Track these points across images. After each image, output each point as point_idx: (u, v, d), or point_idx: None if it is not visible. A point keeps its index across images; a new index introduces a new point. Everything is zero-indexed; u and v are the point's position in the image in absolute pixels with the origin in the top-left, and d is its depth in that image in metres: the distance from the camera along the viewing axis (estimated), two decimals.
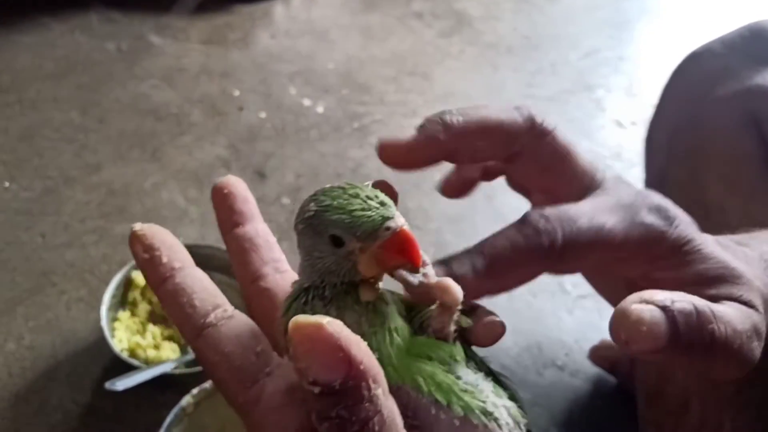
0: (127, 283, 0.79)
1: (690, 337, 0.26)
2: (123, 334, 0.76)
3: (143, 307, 0.80)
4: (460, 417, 0.25)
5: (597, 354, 0.79)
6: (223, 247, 0.87)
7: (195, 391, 0.66)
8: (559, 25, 1.61)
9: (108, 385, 0.66)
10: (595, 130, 1.25)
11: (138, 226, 0.29)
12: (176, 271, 0.28)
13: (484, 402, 0.25)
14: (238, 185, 0.33)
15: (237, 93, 1.27)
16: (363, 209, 0.25)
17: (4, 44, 1.32)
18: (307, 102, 1.27)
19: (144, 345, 0.76)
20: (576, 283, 0.90)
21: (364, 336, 0.22)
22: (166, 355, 0.75)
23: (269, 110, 1.23)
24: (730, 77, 0.61)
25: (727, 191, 0.56)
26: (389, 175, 1.03)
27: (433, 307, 0.27)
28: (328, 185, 0.27)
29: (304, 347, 0.20)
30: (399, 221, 0.25)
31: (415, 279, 0.26)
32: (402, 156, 0.32)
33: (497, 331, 0.27)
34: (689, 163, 0.61)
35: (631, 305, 0.25)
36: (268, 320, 0.29)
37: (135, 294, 0.79)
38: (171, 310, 0.28)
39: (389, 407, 0.22)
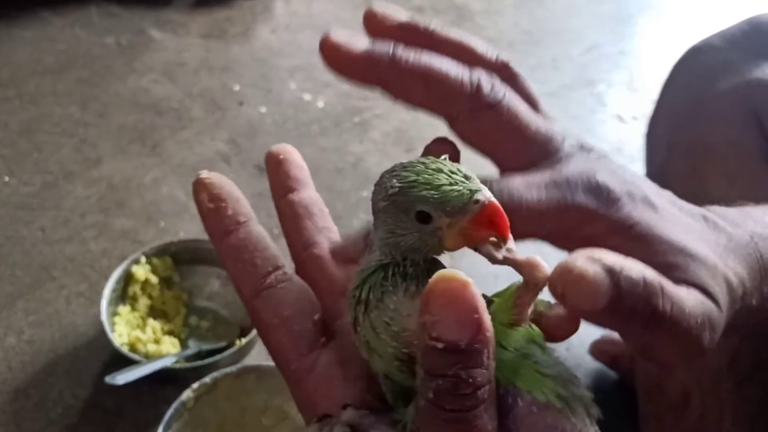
0: (127, 278, 0.79)
1: (631, 306, 0.24)
2: (123, 329, 0.76)
3: (143, 302, 0.80)
4: (539, 403, 0.24)
5: (597, 348, 0.79)
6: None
7: (195, 385, 0.66)
8: (561, 20, 1.61)
9: (108, 379, 0.66)
10: (597, 125, 1.24)
11: (205, 174, 0.29)
12: (241, 225, 0.28)
13: (562, 388, 0.25)
14: (293, 153, 0.32)
15: (237, 88, 1.26)
16: (450, 183, 0.24)
17: (4, 38, 1.32)
18: (307, 97, 1.26)
19: (144, 339, 0.76)
20: None
21: None
22: (166, 350, 0.75)
23: (269, 105, 1.23)
24: (730, 71, 0.61)
25: (728, 184, 0.56)
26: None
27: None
28: (405, 160, 0.26)
29: (444, 300, 0.20)
30: (486, 194, 0.24)
31: (500, 254, 0.25)
32: (338, 61, 0.30)
33: (574, 325, 0.26)
34: (690, 156, 0.61)
35: (577, 260, 0.23)
36: (319, 288, 0.28)
37: (135, 288, 0.79)
38: (231, 265, 0.27)
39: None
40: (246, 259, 0.27)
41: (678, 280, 0.27)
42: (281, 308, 0.27)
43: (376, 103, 1.27)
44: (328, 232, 0.31)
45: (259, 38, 1.42)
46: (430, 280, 0.21)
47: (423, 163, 0.25)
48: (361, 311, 0.25)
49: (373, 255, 0.26)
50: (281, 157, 0.31)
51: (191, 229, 0.95)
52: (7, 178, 1.01)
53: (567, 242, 0.30)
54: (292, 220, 0.31)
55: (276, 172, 0.31)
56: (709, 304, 0.27)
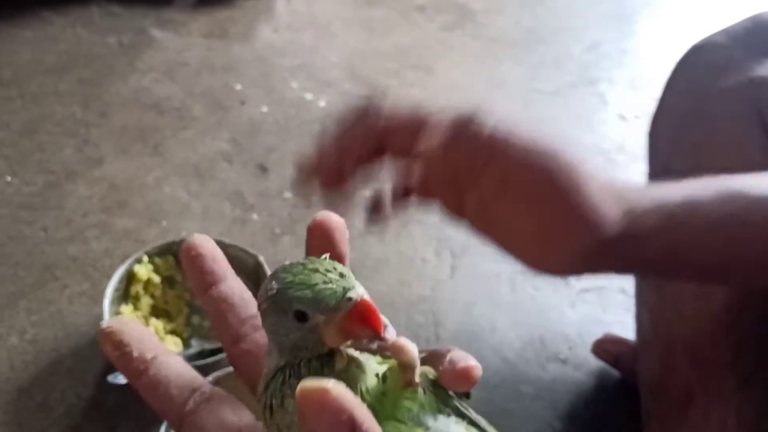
0: (130, 277, 0.79)
1: None
2: None
3: (145, 301, 0.80)
4: None
5: (600, 348, 0.79)
6: (226, 240, 0.87)
7: None
8: (563, 19, 1.61)
9: (111, 378, 0.67)
10: (599, 124, 1.24)
11: (105, 324, 0.28)
12: (149, 363, 0.28)
13: None
14: (205, 244, 0.31)
15: (239, 87, 1.26)
16: (324, 282, 0.25)
17: (6, 38, 1.32)
18: (309, 96, 1.26)
19: None
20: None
21: None
22: (169, 349, 0.75)
23: (271, 104, 1.23)
24: (733, 69, 0.60)
25: None
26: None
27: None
28: (287, 262, 0.27)
29: (312, 411, 0.21)
30: (359, 291, 0.26)
31: (374, 345, 0.27)
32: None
33: (471, 375, 0.26)
34: (693, 154, 0.61)
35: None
36: (254, 380, 0.29)
37: (137, 288, 0.79)
38: (152, 402, 0.28)
39: None
40: (162, 394, 0.28)
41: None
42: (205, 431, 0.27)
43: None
44: (252, 320, 0.31)
45: (261, 38, 1.42)
46: (297, 395, 0.21)
47: (302, 264, 0.26)
48: (268, 416, 0.26)
49: (272, 358, 0.28)
50: (193, 253, 0.31)
51: (193, 228, 0.95)
52: (9, 178, 1.01)
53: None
54: (216, 317, 0.31)
55: (192, 269, 0.31)
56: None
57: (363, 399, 0.26)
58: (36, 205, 0.97)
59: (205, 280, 0.31)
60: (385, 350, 0.27)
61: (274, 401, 0.26)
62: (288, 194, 1.03)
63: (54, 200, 0.98)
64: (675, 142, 0.64)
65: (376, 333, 0.26)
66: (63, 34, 1.36)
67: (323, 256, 0.27)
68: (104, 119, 1.15)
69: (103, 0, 1.46)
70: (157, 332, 0.77)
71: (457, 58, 1.43)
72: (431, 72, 1.37)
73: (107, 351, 0.28)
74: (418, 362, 0.26)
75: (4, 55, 1.27)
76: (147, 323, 0.78)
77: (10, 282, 0.86)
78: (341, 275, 0.26)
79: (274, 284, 0.26)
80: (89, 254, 0.90)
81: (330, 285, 0.25)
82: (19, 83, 1.21)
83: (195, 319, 0.82)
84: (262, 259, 0.80)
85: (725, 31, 0.64)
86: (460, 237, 0.97)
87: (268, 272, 0.79)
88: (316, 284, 0.25)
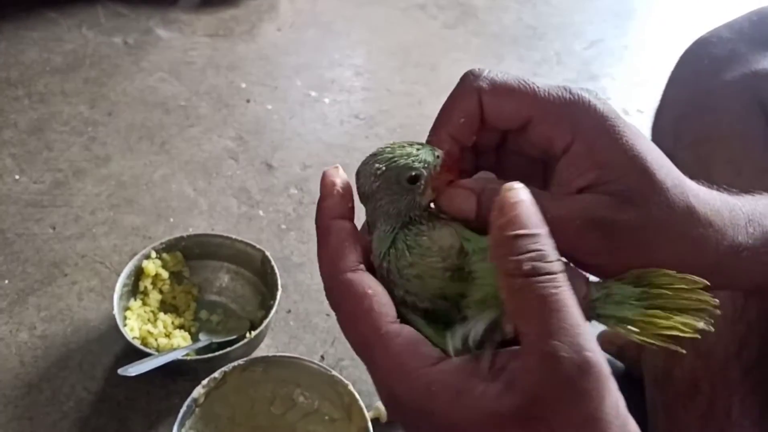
0: (138, 273, 0.80)
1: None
2: (134, 323, 0.77)
3: (154, 296, 0.80)
4: None
5: (604, 339, 0.80)
6: (233, 236, 0.88)
7: (205, 381, 0.66)
8: (564, 15, 1.61)
9: (121, 371, 0.67)
10: None
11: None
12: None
13: None
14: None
15: (244, 85, 1.27)
16: (418, 150, 0.32)
17: (13, 39, 1.33)
18: (313, 93, 1.27)
19: (155, 333, 0.76)
20: None
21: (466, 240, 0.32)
22: (177, 344, 0.76)
23: (276, 102, 1.24)
24: (736, 62, 0.61)
25: (735, 174, 0.56)
26: None
27: None
28: (372, 151, 0.33)
29: (512, 203, 0.27)
30: (439, 150, 0.33)
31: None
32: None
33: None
34: (696, 147, 0.61)
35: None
36: None
37: (146, 283, 0.80)
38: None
39: None
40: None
41: (596, 183, 0.33)
42: (372, 283, 0.31)
43: (382, 99, 1.28)
44: None
45: (265, 36, 1.43)
46: (502, 189, 0.27)
47: (389, 147, 0.33)
48: (405, 256, 0.32)
49: (379, 231, 0.33)
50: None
51: (200, 224, 0.96)
52: (17, 176, 1.02)
53: (557, 132, 0.34)
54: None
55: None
56: (600, 208, 0.32)
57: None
58: (44, 202, 0.98)
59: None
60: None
61: (407, 242, 0.32)
62: (293, 190, 1.04)
63: (62, 198, 0.99)
64: (678, 134, 0.64)
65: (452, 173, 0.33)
66: (69, 34, 1.37)
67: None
68: (111, 118, 1.16)
69: (108, 1, 1.47)
70: (165, 327, 0.78)
71: (459, 55, 1.43)
72: (434, 69, 1.38)
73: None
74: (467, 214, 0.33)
75: (11, 56, 1.28)
76: (155, 318, 0.79)
77: (20, 279, 0.87)
78: (421, 144, 0.33)
79: (378, 165, 0.32)
80: (98, 251, 0.91)
81: (423, 149, 0.32)
82: (26, 83, 1.22)
83: (203, 314, 0.83)
84: (268, 254, 0.81)
85: (729, 25, 0.65)
86: None
87: (275, 267, 0.80)
88: (415, 153, 0.32)
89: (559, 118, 0.33)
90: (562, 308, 0.26)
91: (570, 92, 0.33)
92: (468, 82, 0.34)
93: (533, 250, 0.26)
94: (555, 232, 0.28)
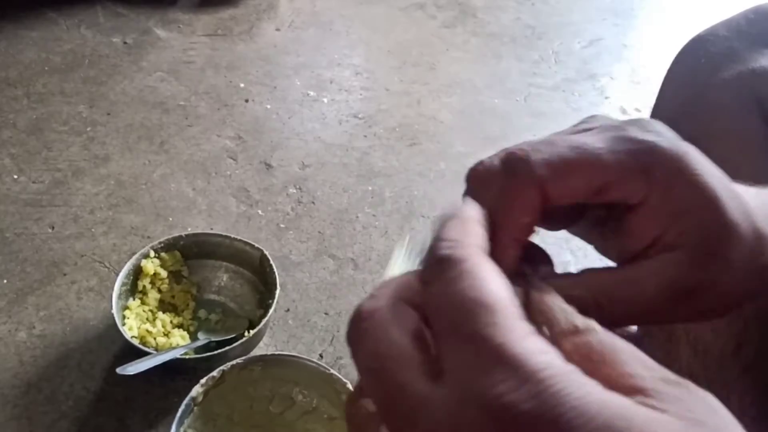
0: (137, 272, 0.80)
1: None
2: (133, 323, 0.77)
3: (153, 296, 0.81)
4: None
5: None
6: (231, 235, 0.88)
7: (203, 380, 0.67)
8: (562, 14, 1.61)
9: (120, 370, 0.67)
10: None
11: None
12: None
13: None
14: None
15: (243, 85, 1.27)
16: None
17: (11, 39, 1.33)
18: (312, 93, 1.27)
19: (154, 333, 0.77)
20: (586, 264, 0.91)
21: None
22: (176, 343, 0.76)
23: (275, 102, 1.24)
24: (734, 60, 0.61)
25: (732, 173, 0.56)
26: (394, 164, 1.06)
27: None
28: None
29: None
30: None
31: None
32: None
33: None
34: (693, 145, 0.61)
35: None
36: None
37: (145, 282, 0.80)
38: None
39: None
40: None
41: (682, 235, 0.29)
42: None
43: (381, 98, 1.28)
44: None
45: (264, 36, 1.43)
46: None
47: None
48: None
49: None
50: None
51: (199, 224, 0.96)
52: (16, 176, 1.02)
53: (630, 189, 0.30)
54: None
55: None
56: (679, 274, 0.29)
57: None
58: (43, 202, 0.98)
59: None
60: None
61: None
62: (292, 189, 1.04)
63: (61, 197, 0.99)
64: (675, 132, 0.64)
65: None
66: (68, 34, 1.37)
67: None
68: (110, 117, 1.16)
69: (107, 0, 1.48)
70: (164, 326, 0.78)
71: (458, 55, 1.43)
72: (433, 68, 1.38)
73: None
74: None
75: (10, 56, 1.28)
76: (154, 317, 0.79)
77: (18, 278, 0.87)
78: None
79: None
80: (96, 250, 0.91)
81: None
82: (25, 83, 1.22)
83: (201, 313, 0.83)
84: (267, 253, 0.81)
85: (726, 22, 0.65)
86: None
87: (274, 266, 0.80)
88: None
89: (632, 175, 0.29)
90: None
91: (632, 140, 0.29)
92: (521, 174, 0.29)
93: None
94: (627, 302, 0.25)
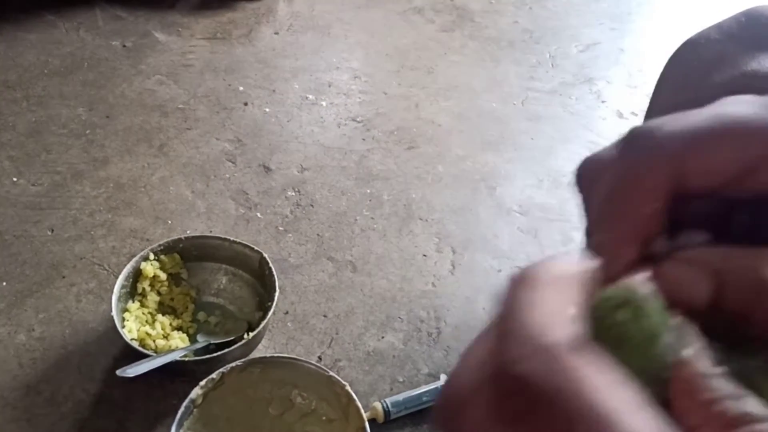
0: (136, 275, 0.80)
1: None
2: (132, 325, 0.77)
3: (152, 298, 0.81)
4: None
5: None
6: (230, 238, 0.88)
7: (203, 382, 0.67)
8: (560, 19, 1.62)
9: (119, 372, 0.67)
10: (597, 122, 1.26)
11: None
12: None
13: None
14: None
15: (241, 88, 1.28)
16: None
17: (11, 42, 1.33)
18: (310, 97, 1.28)
19: (153, 335, 0.77)
20: None
21: None
22: (175, 345, 0.76)
23: (273, 105, 1.24)
24: (726, 63, 0.61)
25: None
26: (392, 167, 1.06)
27: None
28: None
29: None
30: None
31: None
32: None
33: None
34: None
35: None
36: None
37: (144, 285, 0.80)
38: None
39: None
40: None
41: None
42: None
43: (379, 102, 1.28)
44: None
45: (263, 40, 1.44)
46: None
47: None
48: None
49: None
50: None
51: (198, 226, 0.96)
52: (15, 179, 1.03)
53: None
54: None
55: None
56: None
57: None
58: (42, 205, 0.98)
59: None
60: None
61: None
62: (291, 192, 1.04)
63: (60, 200, 0.99)
64: None
65: None
66: (67, 37, 1.37)
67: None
68: (109, 120, 1.16)
69: (107, 4, 1.48)
70: (163, 328, 0.79)
71: (456, 59, 1.44)
72: (431, 72, 1.39)
73: None
74: None
75: (10, 58, 1.29)
76: (153, 319, 0.80)
77: (18, 281, 0.87)
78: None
79: None
80: (96, 253, 0.91)
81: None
82: (24, 86, 1.22)
83: (200, 316, 0.83)
84: (266, 255, 0.82)
85: (718, 26, 0.65)
86: (461, 233, 0.98)
87: (273, 268, 0.81)
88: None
89: None
90: None
91: None
92: (648, 150, 0.21)
93: None
94: None
